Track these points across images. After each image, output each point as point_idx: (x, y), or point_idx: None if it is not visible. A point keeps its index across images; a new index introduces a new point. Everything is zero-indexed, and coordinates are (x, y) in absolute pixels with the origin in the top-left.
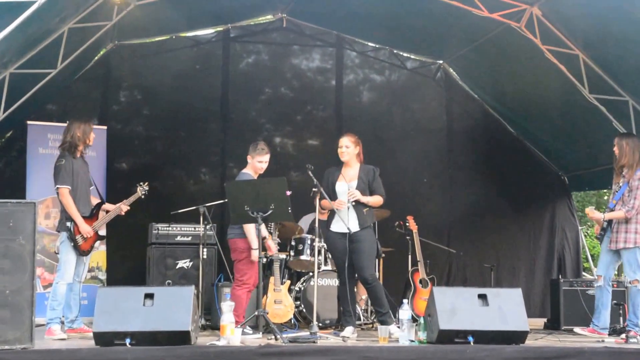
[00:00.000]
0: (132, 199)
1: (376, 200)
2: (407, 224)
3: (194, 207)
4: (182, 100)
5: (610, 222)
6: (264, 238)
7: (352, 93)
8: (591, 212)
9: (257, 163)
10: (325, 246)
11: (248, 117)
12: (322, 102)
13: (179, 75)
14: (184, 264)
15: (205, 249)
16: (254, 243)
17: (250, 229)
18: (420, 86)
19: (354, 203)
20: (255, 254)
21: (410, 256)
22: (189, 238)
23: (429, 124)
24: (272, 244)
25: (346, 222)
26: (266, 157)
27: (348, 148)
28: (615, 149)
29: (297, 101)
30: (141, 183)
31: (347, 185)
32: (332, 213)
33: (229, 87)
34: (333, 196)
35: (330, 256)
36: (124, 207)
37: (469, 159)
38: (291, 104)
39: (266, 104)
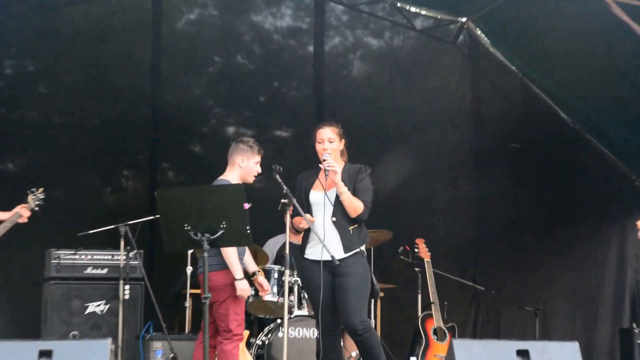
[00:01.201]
0: (20, 211)
1: (355, 204)
2: (417, 250)
3: (111, 226)
4: (95, 73)
5: None
6: (253, 274)
7: (337, 64)
8: None
9: (254, 165)
10: (299, 281)
11: (189, 98)
12: (296, 76)
13: (90, 38)
14: (97, 307)
15: (127, 286)
16: (238, 272)
17: (231, 253)
18: (435, 54)
19: (326, 173)
20: (241, 287)
21: (420, 295)
22: (104, 270)
23: (448, 107)
24: (265, 281)
25: (325, 244)
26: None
27: (332, 143)
28: None
29: (260, 75)
30: (33, 189)
31: (323, 195)
32: (306, 233)
33: (162, 55)
34: (306, 210)
35: (306, 295)
36: (24, 211)
37: (504, 157)
38: (251, 79)
39: (215, 80)
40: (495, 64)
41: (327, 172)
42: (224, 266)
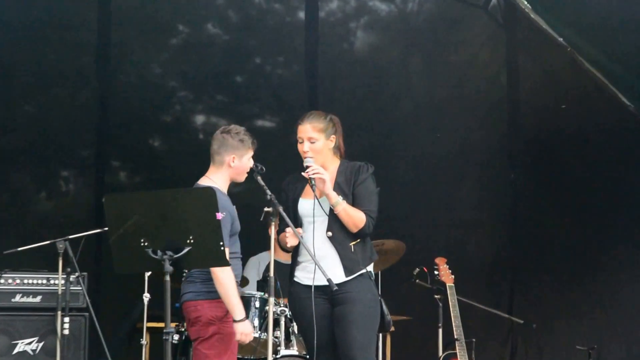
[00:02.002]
0: None
1: (354, 216)
2: (436, 272)
3: (47, 242)
4: (25, 47)
5: None
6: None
7: (336, 35)
8: None
9: (247, 161)
10: (288, 312)
11: (146, 78)
12: (283, 50)
13: (22, 2)
14: (28, 345)
15: (67, 319)
16: (237, 311)
17: (227, 283)
18: (461, 22)
19: (312, 182)
20: (242, 330)
21: (441, 330)
22: (38, 298)
23: (477, 90)
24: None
25: (319, 264)
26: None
27: (314, 143)
28: None
29: (237, 49)
30: None
31: (313, 202)
32: (296, 251)
33: (112, 23)
34: (296, 224)
35: (296, 330)
36: None
37: (548, 153)
38: (226, 54)
39: (180, 55)
40: (538, 35)
41: (313, 182)
42: (216, 294)
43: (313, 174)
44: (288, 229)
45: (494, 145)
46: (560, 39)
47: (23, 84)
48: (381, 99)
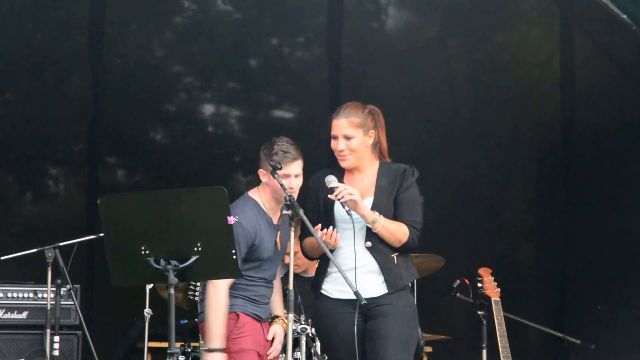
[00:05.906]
0: None
1: (396, 232)
2: (480, 285)
3: (34, 250)
4: (10, 26)
5: None
6: (275, 318)
7: (364, 12)
8: None
9: (282, 179)
10: (310, 330)
11: (147, 62)
12: (303, 30)
13: None
14: None
15: (57, 338)
16: (213, 338)
17: (213, 302)
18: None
19: (345, 206)
20: None
21: (485, 351)
22: (24, 314)
23: (526, 74)
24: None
25: (344, 274)
26: (296, 166)
27: (350, 140)
28: None
29: (251, 29)
30: None
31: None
32: (326, 261)
33: None
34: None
35: (319, 350)
36: None
37: (608, 151)
38: (238, 34)
39: (185, 35)
40: (597, 11)
41: (345, 206)
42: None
43: (343, 196)
44: (327, 231)
45: (546, 139)
46: (624, 16)
47: (4, 67)
48: (416, 86)
